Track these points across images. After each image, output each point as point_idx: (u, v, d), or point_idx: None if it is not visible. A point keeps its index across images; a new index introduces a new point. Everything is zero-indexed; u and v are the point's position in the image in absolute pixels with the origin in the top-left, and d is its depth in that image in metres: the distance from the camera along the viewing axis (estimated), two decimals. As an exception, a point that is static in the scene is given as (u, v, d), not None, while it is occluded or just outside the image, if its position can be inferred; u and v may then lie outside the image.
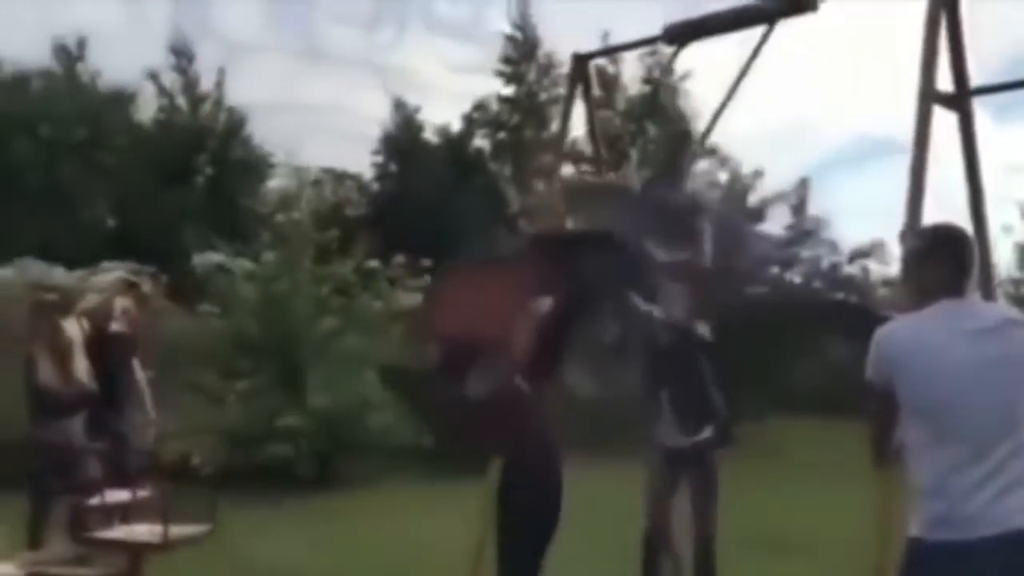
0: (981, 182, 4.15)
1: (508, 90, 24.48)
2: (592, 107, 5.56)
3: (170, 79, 23.32)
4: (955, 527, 2.53)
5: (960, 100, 4.07)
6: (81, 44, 22.84)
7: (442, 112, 29.60)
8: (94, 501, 5.75)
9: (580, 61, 5.36)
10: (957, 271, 2.70)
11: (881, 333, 2.72)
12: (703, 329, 5.59)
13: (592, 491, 5.83)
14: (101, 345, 6.93)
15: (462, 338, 4.11)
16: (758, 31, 4.75)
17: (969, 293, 2.71)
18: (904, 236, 3.69)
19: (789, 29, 4.61)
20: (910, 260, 2.85)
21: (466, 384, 4.04)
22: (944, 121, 4.17)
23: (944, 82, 4.10)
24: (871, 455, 2.85)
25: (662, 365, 5.47)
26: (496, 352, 4.03)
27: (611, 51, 5.45)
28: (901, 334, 2.69)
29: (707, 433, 5.43)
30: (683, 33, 5.02)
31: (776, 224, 17.53)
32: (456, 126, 24.47)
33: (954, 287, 2.68)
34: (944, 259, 2.72)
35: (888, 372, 2.66)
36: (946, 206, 4.33)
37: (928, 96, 3.82)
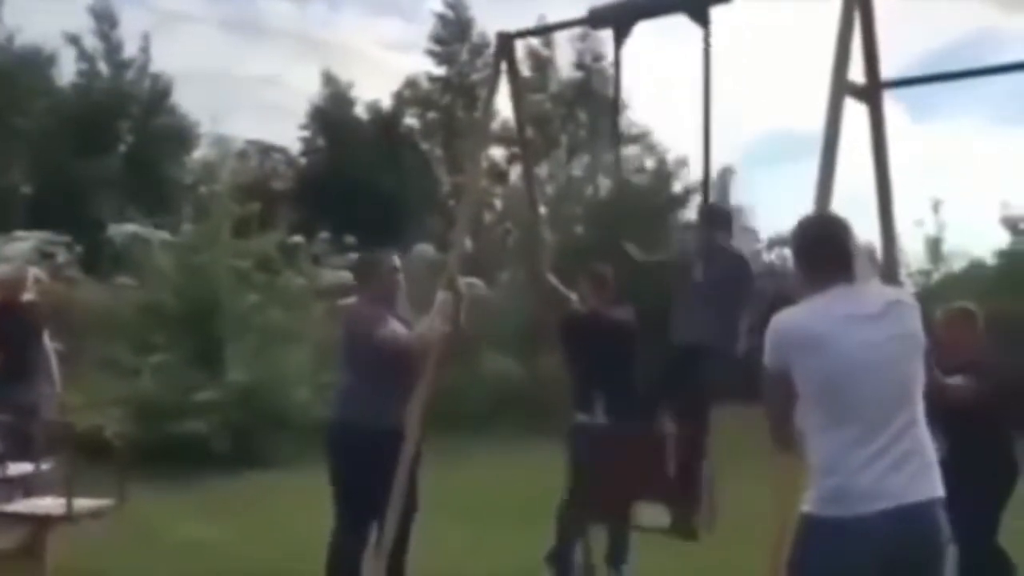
0: (889, 174, 4.25)
1: (440, 70, 24.42)
2: (518, 88, 5.52)
3: (91, 43, 22.70)
4: (847, 503, 2.60)
5: (871, 92, 4.16)
6: (-4, 3, 22.08)
7: (374, 89, 29.33)
8: (-6, 473, 5.62)
9: (505, 40, 5.32)
10: (838, 259, 2.79)
11: (776, 321, 2.79)
12: (628, 313, 5.67)
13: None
14: (11, 315, 6.78)
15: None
16: (683, 19, 4.79)
17: (859, 279, 2.80)
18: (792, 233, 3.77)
19: (716, 22, 4.65)
20: (794, 252, 2.93)
21: None
22: (863, 115, 4.27)
23: (857, 74, 4.18)
24: (773, 438, 2.92)
25: (592, 352, 5.52)
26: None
27: (537, 32, 5.41)
28: (794, 321, 2.77)
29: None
30: (609, 16, 5.02)
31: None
32: (387, 103, 24.32)
33: (839, 274, 2.77)
34: (824, 248, 2.81)
35: (784, 358, 2.73)
36: (856, 198, 4.44)
37: (840, 88, 3.89)
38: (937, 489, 2.68)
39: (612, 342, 5.53)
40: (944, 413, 4.06)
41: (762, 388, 2.83)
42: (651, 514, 4.65)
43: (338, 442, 4.73)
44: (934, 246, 15.91)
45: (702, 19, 4.69)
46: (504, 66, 5.32)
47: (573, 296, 5.74)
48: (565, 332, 5.69)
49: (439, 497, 4.84)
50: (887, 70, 4.23)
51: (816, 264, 2.82)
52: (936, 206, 15.75)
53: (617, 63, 5.15)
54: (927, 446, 2.71)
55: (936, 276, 15.97)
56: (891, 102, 4.46)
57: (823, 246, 2.83)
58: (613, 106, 5.26)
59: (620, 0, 5.02)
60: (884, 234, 4.31)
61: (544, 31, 5.17)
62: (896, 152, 4.39)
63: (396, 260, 5.04)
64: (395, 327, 4.68)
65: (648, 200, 17.66)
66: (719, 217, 5.53)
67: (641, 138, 23.53)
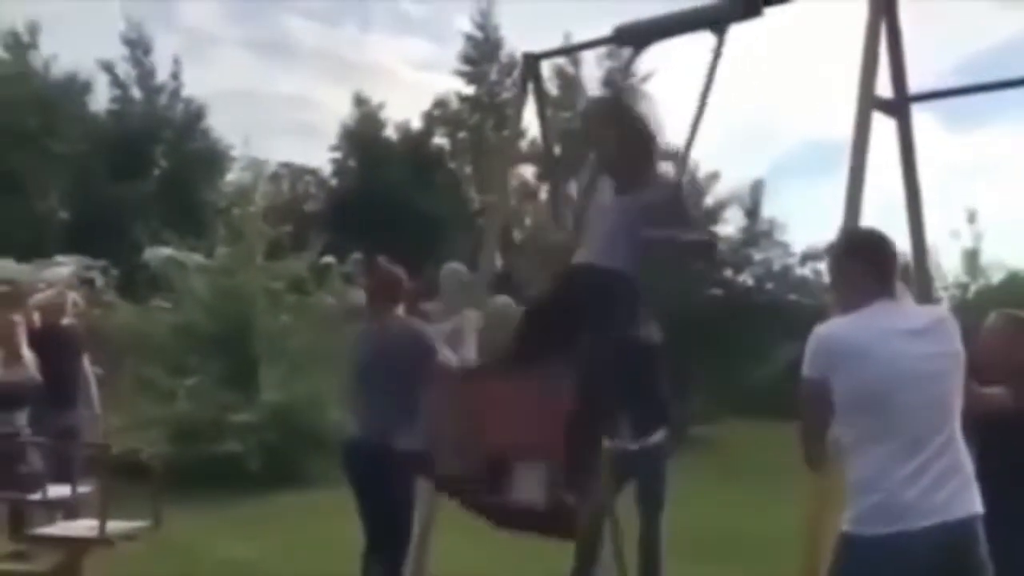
0: (919, 187, 4.24)
1: (469, 89, 24.53)
2: (543, 107, 5.57)
3: (124, 70, 23.06)
4: (889, 519, 2.58)
5: (899, 106, 4.15)
6: (33, 31, 22.48)
7: (404, 110, 29.56)
8: (35, 497, 5.69)
9: (531, 60, 5.38)
10: (879, 274, 2.78)
11: (818, 333, 2.78)
12: (652, 331, 5.64)
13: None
14: (52, 339, 6.86)
15: (499, 446, 4.11)
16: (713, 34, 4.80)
17: (900, 295, 2.79)
18: (830, 248, 3.76)
19: (746, 34, 4.67)
20: (833, 267, 2.93)
21: (511, 492, 4.10)
22: (892, 127, 4.26)
23: (885, 88, 4.18)
24: (805, 454, 2.91)
25: (616, 370, 5.51)
26: (537, 459, 4.05)
27: (564, 51, 5.47)
28: (838, 333, 2.75)
29: (658, 437, 5.47)
30: (634, 35, 5.05)
31: (730, 226, 17.71)
32: (417, 124, 24.48)
33: (880, 290, 2.76)
34: (864, 263, 2.80)
35: (825, 371, 2.72)
36: (888, 210, 4.42)
37: (867, 101, 3.89)
38: (977, 505, 2.67)
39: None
40: (979, 423, 4.01)
41: (798, 400, 2.82)
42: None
43: (373, 462, 4.60)
44: (971, 258, 15.70)
45: (717, 29, 4.69)
46: (531, 86, 5.38)
47: None
48: None
49: (458, 513, 4.83)
50: (918, 79, 4.23)
51: (860, 278, 2.81)
52: (972, 217, 15.56)
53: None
54: (966, 462, 2.70)
55: (973, 289, 15.76)
56: (923, 111, 4.45)
57: (868, 260, 2.82)
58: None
59: (647, 18, 5.06)
60: (915, 248, 4.29)
61: (570, 51, 5.20)
62: (929, 162, 4.37)
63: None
64: (447, 351, 4.63)
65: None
66: None
67: (672, 153, 23.46)
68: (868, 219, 3.80)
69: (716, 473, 9.95)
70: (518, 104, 5.56)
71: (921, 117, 4.27)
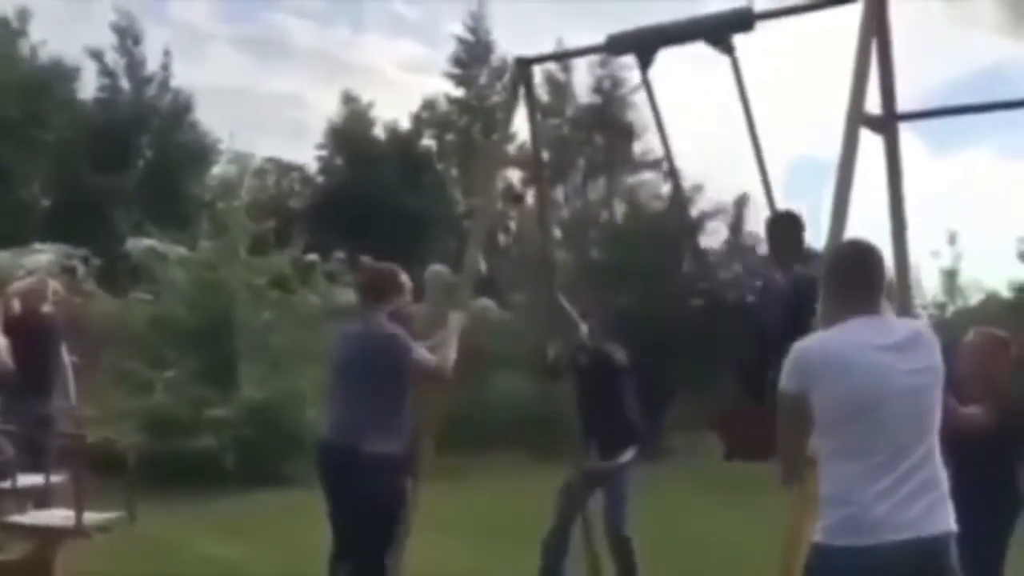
0: (903, 205, 4.26)
1: (459, 92, 24.52)
2: (534, 112, 5.58)
3: (113, 59, 22.90)
4: (861, 532, 2.58)
5: (887, 124, 4.18)
6: (23, 17, 22.30)
7: (394, 110, 29.49)
8: (5, 485, 5.64)
9: (522, 65, 5.38)
10: (868, 287, 2.78)
11: (799, 347, 2.78)
12: (618, 352, 5.68)
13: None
14: (30, 327, 6.80)
15: None
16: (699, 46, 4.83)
17: (884, 308, 2.79)
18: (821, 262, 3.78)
19: (746, 46, 4.70)
20: (823, 278, 2.92)
21: None
22: (878, 145, 4.29)
23: (874, 105, 4.21)
24: (782, 470, 2.91)
25: (588, 387, 5.60)
26: None
27: (556, 57, 5.45)
28: (818, 348, 2.75)
29: (627, 457, 5.54)
30: (626, 44, 5.07)
31: (714, 239, 17.74)
32: (405, 124, 24.44)
33: (867, 303, 2.76)
34: (854, 275, 2.79)
35: (805, 384, 2.71)
36: (872, 228, 4.45)
37: (856, 118, 3.92)
38: (951, 522, 2.66)
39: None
40: (954, 441, 4.04)
41: (777, 415, 2.82)
42: None
43: (342, 464, 4.48)
44: (950, 278, 15.83)
45: (726, 47, 4.72)
46: (522, 91, 5.38)
47: (583, 325, 5.73)
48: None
49: (441, 518, 4.82)
50: (904, 101, 4.25)
51: (845, 292, 2.80)
52: (952, 238, 15.67)
53: (648, 89, 5.13)
54: (942, 478, 2.70)
55: (951, 309, 15.88)
56: (906, 133, 4.48)
57: (855, 274, 2.81)
58: (660, 132, 5.23)
59: (639, 28, 5.08)
60: (898, 265, 4.31)
61: (562, 56, 5.19)
62: (912, 184, 4.40)
63: (406, 275, 5.02)
64: (423, 351, 4.61)
65: (664, 226, 17.68)
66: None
67: (658, 164, 23.54)
68: (853, 234, 3.81)
69: (693, 483, 9.96)
70: (508, 108, 5.56)
71: (904, 137, 4.28)
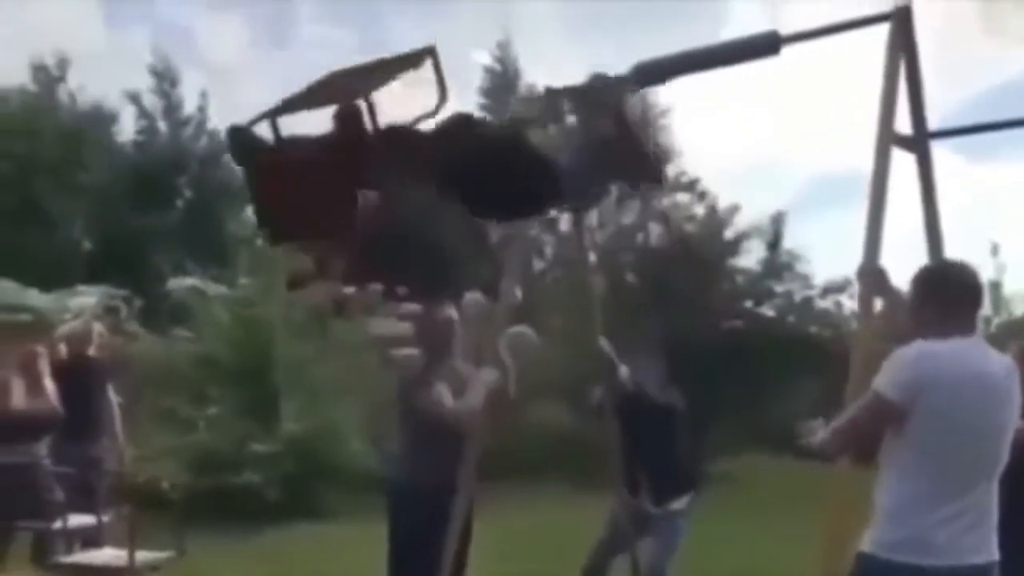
0: (939, 224, 4.23)
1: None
2: (558, 144, 5.61)
3: (151, 102, 23.35)
4: (916, 552, 2.62)
5: (918, 143, 4.17)
6: (62, 65, 22.82)
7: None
8: (57, 525, 5.75)
9: (552, 94, 5.43)
10: (974, 309, 2.85)
11: (918, 353, 2.74)
12: (675, 396, 5.59)
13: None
14: (78, 370, 6.93)
15: None
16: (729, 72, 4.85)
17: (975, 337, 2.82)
18: (863, 274, 3.77)
19: (768, 68, 4.71)
20: (927, 292, 2.89)
21: None
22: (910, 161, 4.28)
23: (903, 123, 4.20)
24: (851, 452, 2.88)
25: (637, 431, 5.46)
26: None
27: (584, 88, 5.52)
28: (939, 361, 2.72)
29: (681, 504, 5.44)
30: (652, 73, 5.09)
31: (751, 258, 17.65)
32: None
33: (968, 326, 2.81)
34: (968, 295, 2.85)
35: (915, 392, 2.68)
36: (907, 243, 4.43)
37: (887, 137, 3.91)
38: (995, 553, 2.72)
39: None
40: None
41: (863, 407, 2.78)
42: None
43: (397, 500, 4.80)
44: (994, 291, 15.57)
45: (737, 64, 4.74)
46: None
47: (623, 368, 5.57)
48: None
49: (481, 549, 4.82)
50: (940, 112, 4.23)
51: (950, 311, 2.80)
52: (995, 249, 15.44)
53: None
54: (995, 509, 2.75)
55: (996, 322, 15.64)
56: (945, 144, 4.47)
57: (968, 294, 2.85)
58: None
59: (665, 56, 5.11)
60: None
61: (590, 88, 5.25)
62: (952, 195, 4.37)
63: (452, 311, 5.09)
64: (442, 393, 4.71)
65: (699, 248, 17.62)
66: None
67: (691, 186, 23.49)
68: (889, 253, 3.80)
69: (735, 508, 9.87)
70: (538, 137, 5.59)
71: (941, 147, 4.28)
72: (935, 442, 2.67)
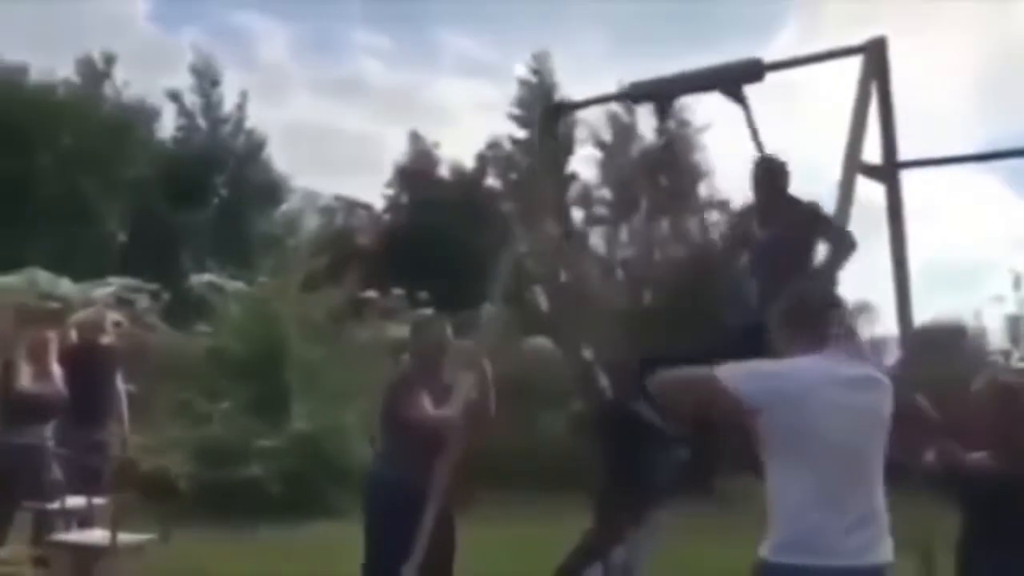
0: (906, 255, 4.31)
1: (522, 133, 24.92)
2: (559, 156, 5.75)
3: (191, 100, 23.85)
4: (806, 553, 2.74)
5: (888, 173, 4.25)
6: (109, 61, 23.38)
7: (463, 150, 30.03)
8: (54, 505, 5.96)
9: (551, 112, 5.59)
10: (824, 330, 2.95)
11: (776, 368, 2.90)
12: (644, 411, 5.59)
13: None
14: (87, 356, 7.14)
15: None
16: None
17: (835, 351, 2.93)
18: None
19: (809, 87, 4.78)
20: (783, 316, 3.05)
21: None
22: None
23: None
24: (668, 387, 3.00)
25: (615, 441, 5.47)
26: None
27: (581, 105, 5.65)
28: (797, 376, 2.85)
29: (657, 517, 5.44)
30: (647, 92, 5.23)
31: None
32: (471, 163, 24.92)
33: (821, 343, 2.92)
34: (814, 318, 2.97)
35: (771, 404, 2.80)
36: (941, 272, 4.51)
37: (853, 167, 4.00)
38: (889, 555, 2.82)
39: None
40: (966, 490, 4.05)
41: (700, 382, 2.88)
42: None
43: (370, 496, 5.02)
44: (1014, 324, 15.38)
45: (737, 97, 4.85)
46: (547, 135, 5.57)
47: (603, 381, 5.60)
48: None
49: (493, 560, 4.92)
50: (982, 141, 4.28)
51: (801, 331, 2.96)
52: (1017, 281, 15.23)
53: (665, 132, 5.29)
54: (883, 513, 2.85)
55: (1017, 355, 15.44)
56: (989, 175, 4.50)
57: (817, 314, 2.99)
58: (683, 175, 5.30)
59: (660, 77, 5.24)
60: (900, 314, 4.36)
61: (588, 104, 5.42)
62: (991, 226, 4.42)
63: (445, 326, 5.22)
64: (425, 403, 4.86)
65: (724, 266, 17.62)
66: None
67: (723, 205, 23.48)
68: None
69: (745, 524, 9.82)
70: (538, 154, 5.74)
71: (986, 180, 4.34)
72: (799, 453, 2.79)
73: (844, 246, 4.26)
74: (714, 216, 23.19)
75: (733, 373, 2.85)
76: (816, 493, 2.76)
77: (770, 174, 4.93)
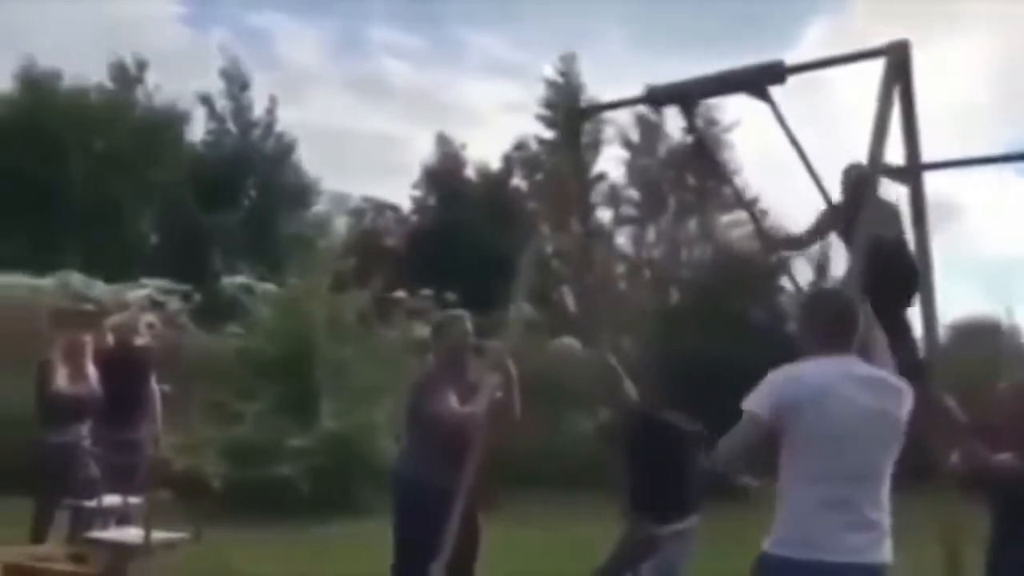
0: (930, 254, 4.33)
1: (548, 133, 24.96)
2: (585, 161, 5.78)
3: (222, 104, 24.07)
4: (809, 548, 2.81)
5: (910, 173, 4.27)
6: (141, 66, 23.64)
7: (490, 150, 30.10)
8: (91, 503, 6.10)
9: (572, 116, 5.63)
10: (844, 333, 2.99)
11: (784, 377, 2.95)
12: (675, 418, 5.47)
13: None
14: (123, 358, 7.27)
15: None
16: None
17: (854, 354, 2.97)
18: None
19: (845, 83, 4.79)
20: (806, 318, 3.11)
21: None
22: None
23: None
24: (720, 459, 3.04)
25: (633, 453, 5.42)
26: None
27: (602, 108, 5.69)
28: (800, 383, 2.91)
29: (686, 524, 5.35)
30: (664, 95, 5.26)
31: (799, 280, 17.51)
32: (497, 163, 24.98)
33: (841, 347, 2.96)
34: (835, 322, 3.01)
35: (780, 412, 2.87)
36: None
37: (875, 168, 4.02)
38: (888, 556, 2.88)
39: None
40: (993, 491, 4.07)
41: (741, 426, 2.94)
42: None
43: (397, 496, 5.09)
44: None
45: (764, 96, 4.87)
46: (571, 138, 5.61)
47: (629, 386, 5.51)
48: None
49: (522, 560, 4.94)
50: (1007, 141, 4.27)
51: (823, 333, 3.00)
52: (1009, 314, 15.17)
53: (697, 136, 5.30)
54: (887, 515, 2.91)
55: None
56: (1011, 172, 4.47)
57: (836, 318, 3.02)
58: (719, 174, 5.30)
59: (680, 81, 5.26)
60: (925, 314, 4.37)
61: (608, 108, 5.47)
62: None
63: (466, 324, 5.27)
64: (450, 401, 4.91)
65: (755, 265, 17.57)
66: None
67: (751, 204, 23.36)
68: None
69: (759, 526, 9.82)
70: (562, 156, 5.77)
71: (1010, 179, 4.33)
72: (809, 452, 2.85)
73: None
74: (742, 215, 23.12)
75: (754, 398, 2.92)
76: (822, 491, 2.82)
77: (861, 179, 4.89)
